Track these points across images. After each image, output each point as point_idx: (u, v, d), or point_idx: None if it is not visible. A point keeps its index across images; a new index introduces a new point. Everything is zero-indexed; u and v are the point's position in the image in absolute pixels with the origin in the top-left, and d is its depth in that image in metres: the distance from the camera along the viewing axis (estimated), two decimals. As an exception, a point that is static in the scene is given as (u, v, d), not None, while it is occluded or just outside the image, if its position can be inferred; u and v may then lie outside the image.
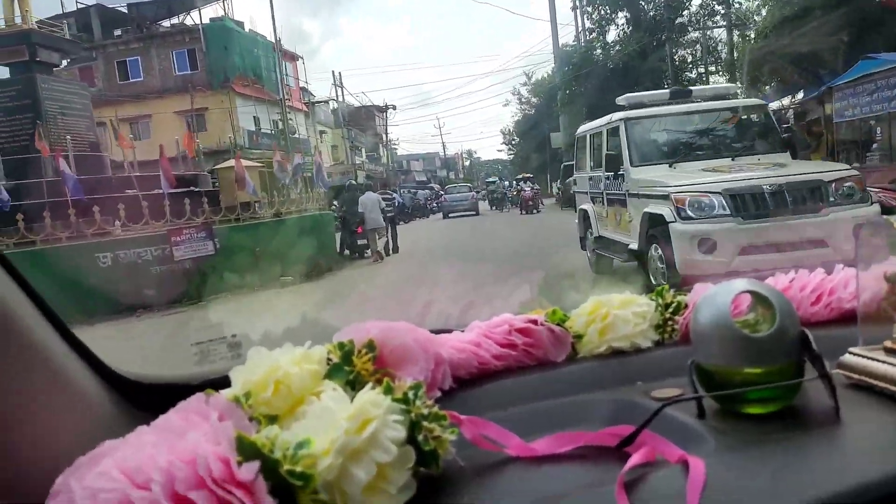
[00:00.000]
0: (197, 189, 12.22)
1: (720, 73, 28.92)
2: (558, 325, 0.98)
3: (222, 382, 0.78)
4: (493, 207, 33.90)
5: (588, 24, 31.11)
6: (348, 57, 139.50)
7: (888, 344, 0.76)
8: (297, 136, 33.94)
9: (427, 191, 40.35)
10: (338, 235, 14.69)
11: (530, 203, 26.33)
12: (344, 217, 14.95)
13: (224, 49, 29.53)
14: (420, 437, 0.66)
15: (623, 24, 30.83)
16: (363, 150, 49.02)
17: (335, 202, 17.76)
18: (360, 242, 14.14)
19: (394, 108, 43.53)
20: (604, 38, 30.23)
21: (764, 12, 25.68)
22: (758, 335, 0.72)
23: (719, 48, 28.32)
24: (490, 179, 38.95)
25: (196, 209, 10.04)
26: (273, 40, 33.55)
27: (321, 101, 42.37)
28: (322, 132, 41.67)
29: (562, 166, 28.32)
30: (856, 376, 0.78)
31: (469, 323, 1.00)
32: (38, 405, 0.71)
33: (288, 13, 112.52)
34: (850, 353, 0.80)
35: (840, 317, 0.98)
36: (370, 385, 0.70)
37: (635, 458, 0.66)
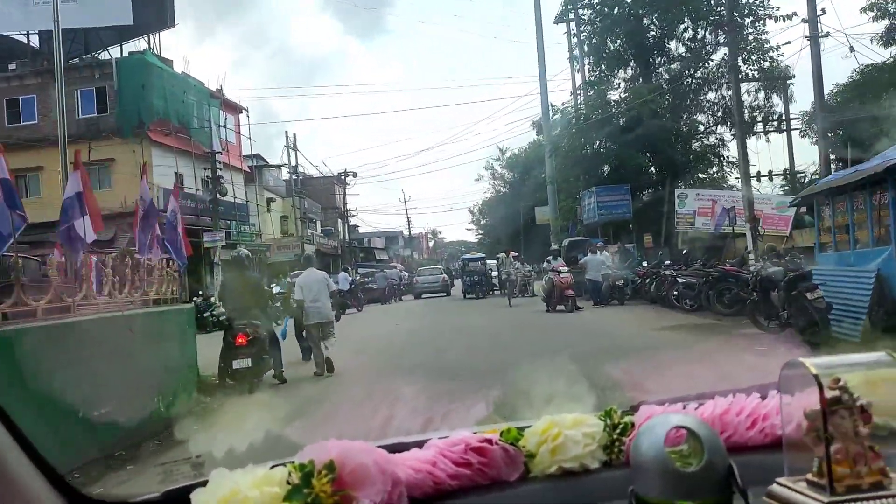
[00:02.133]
0: None
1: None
2: (512, 444, 1.03)
3: (183, 500, 0.80)
4: (472, 294, 25.35)
5: (589, 76, 24.87)
6: (317, 137, 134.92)
7: (810, 477, 0.84)
8: (232, 199, 26.56)
9: (393, 270, 36.92)
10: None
11: (568, 293, 16.71)
12: (227, 317, 9.27)
13: (141, 88, 22.60)
14: None
15: (628, 79, 24.56)
16: (318, 223, 41.99)
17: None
18: (237, 364, 8.26)
19: (354, 175, 37.20)
20: (604, 95, 23.85)
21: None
22: (688, 470, 0.81)
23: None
24: (469, 256, 30.80)
25: None
26: (212, 87, 26.69)
27: (269, 166, 35.35)
28: (270, 199, 34.46)
29: (565, 243, 21.15)
30: None
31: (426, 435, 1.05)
32: None
33: (261, 94, 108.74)
34: (778, 483, 0.87)
35: (773, 442, 1.03)
36: None
37: None
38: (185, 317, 8.18)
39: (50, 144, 25.76)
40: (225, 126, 30.33)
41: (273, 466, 0.84)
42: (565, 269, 17.12)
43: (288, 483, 0.80)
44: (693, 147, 25.67)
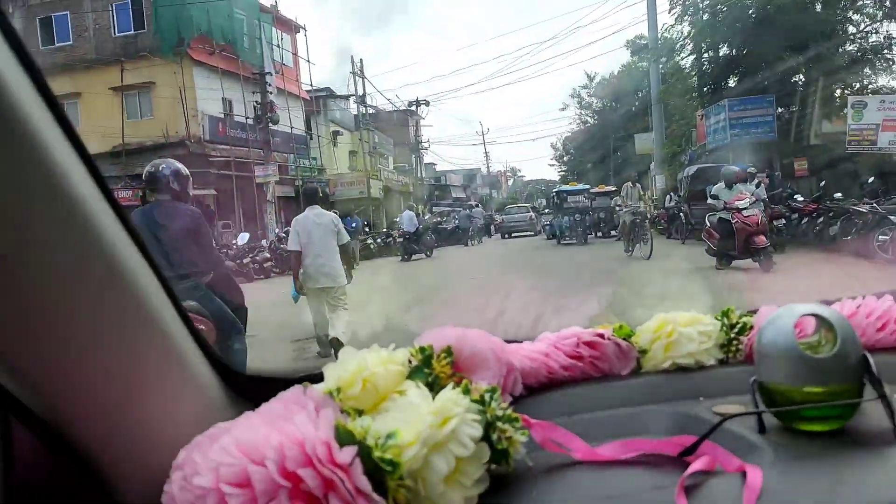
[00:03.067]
0: None
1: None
2: (624, 339, 1.03)
3: (316, 377, 0.84)
4: (568, 237, 20.58)
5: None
6: (399, 74, 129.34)
7: None
8: (289, 130, 23.13)
9: (469, 209, 32.47)
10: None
11: (759, 241, 10.22)
12: None
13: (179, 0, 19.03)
14: (494, 437, 0.72)
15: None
16: (390, 159, 38.39)
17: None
18: None
19: (426, 103, 33.04)
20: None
21: None
22: (819, 356, 0.77)
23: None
24: (566, 188, 25.06)
25: None
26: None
27: (335, 96, 31.76)
28: (336, 133, 30.89)
29: (690, 171, 16.45)
30: None
31: (539, 334, 1.06)
32: (160, 383, 0.76)
33: (338, 32, 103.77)
34: None
35: None
36: (450, 386, 0.76)
37: (696, 466, 0.70)
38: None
39: (85, 68, 22.95)
40: (280, 46, 26.63)
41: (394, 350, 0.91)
42: (746, 202, 10.65)
43: (410, 363, 0.85)
44: (849, 49, 19.94)
